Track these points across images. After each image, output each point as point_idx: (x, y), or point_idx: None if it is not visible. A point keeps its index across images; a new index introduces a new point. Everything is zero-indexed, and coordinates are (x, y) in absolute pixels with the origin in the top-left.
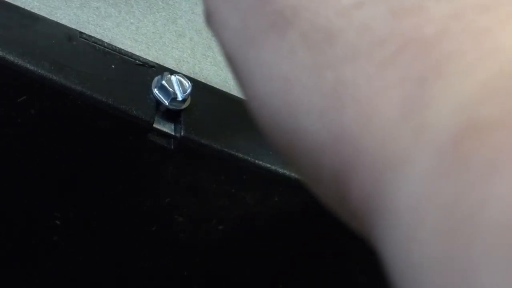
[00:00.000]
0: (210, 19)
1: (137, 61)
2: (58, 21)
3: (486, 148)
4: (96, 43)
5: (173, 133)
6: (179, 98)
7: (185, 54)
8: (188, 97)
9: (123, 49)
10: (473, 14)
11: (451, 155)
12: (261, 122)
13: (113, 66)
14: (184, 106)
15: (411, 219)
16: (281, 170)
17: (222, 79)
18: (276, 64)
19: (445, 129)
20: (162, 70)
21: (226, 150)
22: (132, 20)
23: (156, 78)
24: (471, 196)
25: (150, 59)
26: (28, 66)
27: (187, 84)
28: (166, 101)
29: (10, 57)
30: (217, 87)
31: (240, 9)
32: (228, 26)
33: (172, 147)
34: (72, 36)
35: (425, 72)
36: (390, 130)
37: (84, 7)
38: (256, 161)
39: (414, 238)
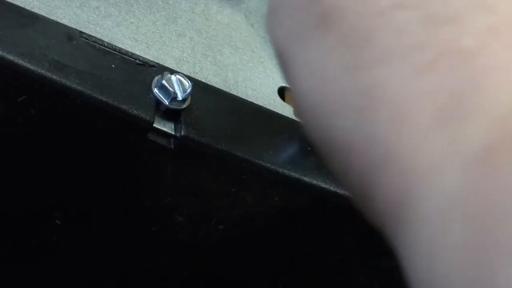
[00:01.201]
0: (267, 19)
1: (137, 61)
2: (58, 20)
3: None
4: (96, 42)
5: (173, 133)
6: (179, 97)
7: (185, 54)
8: (188, 96)
9: (123, 49)
10: None
11: (482, 167)
12: (303, 117)
13: (113, 66)
14: (184, 106)
15: (439, 229)
16: (281, 170)
17: (222, 78)
18: (318, 62)
19: (479, 142)
20: (162, 69)
21: (226, 149)
22: (132, 20)
23: (156, 78)
24: (501, 208)
25: (150, 58)
26: (28, 65)
27: (187, 83)
28: (166, 101)
29: (10, 57)
30: (217, 86)
31: (292, 10)
32: (282, 26)
33: (172, 147)
34: (72, 36)
35: (463, 84)
36: (423, 138)
37: (84, 6)
38: (256, 161)
39: (441, 248)
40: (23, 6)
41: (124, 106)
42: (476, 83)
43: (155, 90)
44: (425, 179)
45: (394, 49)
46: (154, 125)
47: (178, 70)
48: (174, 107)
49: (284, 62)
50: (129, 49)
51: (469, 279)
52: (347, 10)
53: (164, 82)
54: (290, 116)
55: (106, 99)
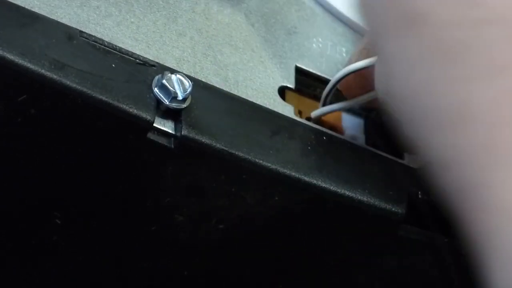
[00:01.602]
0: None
1: (137, 60)
2: (58, 20)
3: None
4: (96, 42)
5: (173, 132)
6: (180, 97)
7: (185, 53)
8: (188, 96)
9: (124, 48)
10: None
11: None
12: (393, 118)
13: (113, 65)
14: (184, 105)
15: None
16: (281, 170)
17: (222, 78)
18: (410, 67)
19: None
20: (162, 69)
21: (226, 149)
22: (132, 19)
23: (156, 77)
24: None
25: (150, 58)
26: (28, 65)
27: (187, 83)
28: (166, 100)
29: (10, 56)
30: (218, 86)
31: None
32: (374, 11)
33: (173, 146)
34: (72, 35)
35: None
36: None
37: (85, 6)
38: (257, 161)
39: None
40: (23, 6)
41: (124, 106)
42: None
43: (155, 90)
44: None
45: (482, 67)
46: (154, 124)
47: (179, 70)
48: (175, 106)
49: (377, 48)
50: (130, 49)
51: None
52: (436, 18)
53: (164, 81)
54: (290, 116)
55: (106, 99)
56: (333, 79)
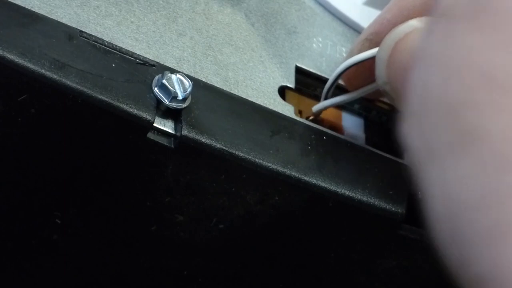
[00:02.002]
0: (406, 122)
1: (137, 60)
2: (59, 20)
3: None
4: (96, 42)
5: (173, 132)
6: (180, 97)
7: (185, 53)
8: (188, 96)
9: (124, 48)
10: None
11: None
12: (435, 236)
13: (113, 65)
14: (184, 105)
15: None
16: (281, 170)
17: (222, 78)
18: (451, 186)
19: None
20: (162, 69)
21: (226, 149)
22: (132, 19)
23: (156, 77)
24: None
25: (150, 58)
26: (28, 65)
27: (187, 83)
28: (166, 100)
29: (10, 56)
30: (218, 86)
31: (434, 120)
32: (421, 135)
33: (173, 146)
34: (72, 35)
35: None
36: None
37: (85, 6)
38: (257, 161)
39: None
40: (23, 5)
41: (124, 106)
42: None
43: (156, 90)
44: None
45: None
46: (155, 124)
47: (179, 70)
48: (175, 106)
49: (418, 174)
50: (130, 49)
51: None
52: (489, 132)
53: (164, 81)
54: (290, 116)
55: (106, 99)
56: (335, 71)
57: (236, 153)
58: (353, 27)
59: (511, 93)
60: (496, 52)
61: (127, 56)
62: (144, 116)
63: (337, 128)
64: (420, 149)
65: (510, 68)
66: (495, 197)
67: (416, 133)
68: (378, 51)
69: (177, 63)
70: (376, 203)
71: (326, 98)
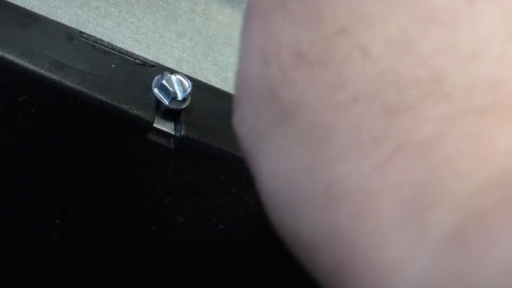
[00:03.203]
0: (233, 113)
1: (137, 61)
2: (58, 20)
3: (485, 231)
4: (96, 42)
5: (173, 133)
6: (179, 97)
7: (185, 54)
8: (188, 96)
9: (123, 49)
10: (470, 119)
11: (451, 249)
12: (269, 214)
13: (113, 66)
14: (184, 106)
15: None
16: None
17: (222, 78)
18: (279, 161)
19: (445, 226)
20: (162, 69)
21: (226, 149)
22: (132, 20)
23: (156, 78)
24: (468, 277)
25: (150, 58)
26: (28, 65)
27: (187, 83)
28: (166, 101)
29: (10, 57)
30: (217, 86)
31: (254, 105)
32: (245, 121)
33: (172, 147)
34: (72, 36)
35: (424, 176)
36: (389, 232)
37: (84, 6)
38: None
39: None
40: (23, 6)
41: (124, 106)
42: (437, 174)
43: (155, 90)
44: (393, 273)
45: (352, 144)
46: (154, 125)
47: (178, 70)
48: (174, 107)
49: (249, 158)
50: (129, 49)
51: None
52: (305, 107)
53: (164, 82)
54: None
55: (106, 99)
56: None
57: (236, 153)
58: None
59: (316, 65)
60: (299, 30)
61: (127, 57)
62: (144, 117)
63: None
64: (248, 133)
65: (312, 40)
66: (321, 162)
67: (242, 120)
68: None
69: (177, 63)
70: None
71: None
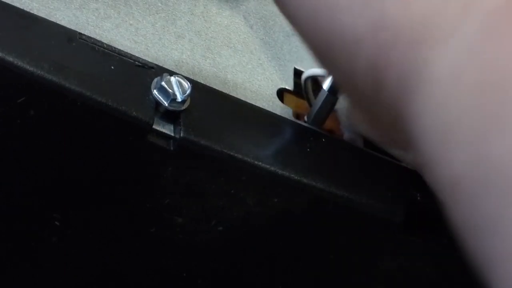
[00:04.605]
0: None
1: (136, 62)
2: (57, 22)
3: None
4: (95, 44)
5: (172, 134)
6: (179, 99)
7: (184, 55)
8: (187, 98)
9: (123, 50)
10: None
11: (499, 17)
12: (299, 23)
13: (112, 67)
14: (183, 107)
15: (451, 79)
16: (280, 171)
17: (221, 80)
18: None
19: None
20: (161, 71)
21: (225, 151)
22: (131, 22)
23: (155, 79)
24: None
25: (149, 60)
26: (27, 67)
27: (186, 85)
28: (165, 102)
29: (9, 58)
30: (217, 88)
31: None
32: None
33: (172, 148)
34: (71, 37)
35: None
36: (435, 4)
37: (84, 8)
38: (256, 162)
39: (452, 94)
40: (22, 8)
41: (123, 108)
42: None
43: (154, 92)
44: (439, 41)
45: None
46: (154, 126)
47: (178, 72)
48: (174, 108)
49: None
50: (128, 51)
51: (476, 117)
52: None
53: (163, 83)
54: (289, 118)
55: (105, 101)
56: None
57: (235, 155)
58: None
59: None
60: None
61: (126, 58)
62: (143, 119)
63: (335, 130)
64: None
65: None
66: None
67: None
68: None
69: (176, 65)
70: (375, 204)
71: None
